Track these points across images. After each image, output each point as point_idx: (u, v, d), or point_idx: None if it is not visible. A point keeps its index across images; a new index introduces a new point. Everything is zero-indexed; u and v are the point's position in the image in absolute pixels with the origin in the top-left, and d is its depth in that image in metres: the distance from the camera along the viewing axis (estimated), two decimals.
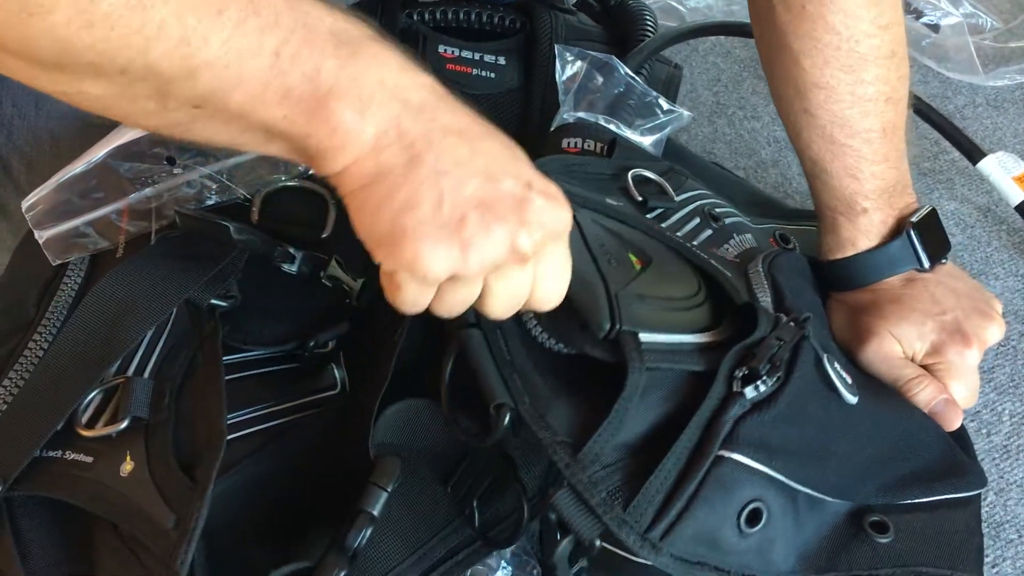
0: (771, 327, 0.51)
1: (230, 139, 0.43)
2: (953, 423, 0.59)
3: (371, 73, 0.41)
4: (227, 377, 0.52)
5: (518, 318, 0.52)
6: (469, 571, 0.54)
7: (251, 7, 0.38)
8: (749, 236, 0.67)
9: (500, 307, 0.46)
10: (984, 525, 0.74)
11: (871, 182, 0.63)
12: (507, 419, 0.48)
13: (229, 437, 0.51)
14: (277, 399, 0.57)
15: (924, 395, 0.59)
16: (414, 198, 0.41)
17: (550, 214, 0.44)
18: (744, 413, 0.48)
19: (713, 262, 0.58)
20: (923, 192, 1.00)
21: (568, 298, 0.48)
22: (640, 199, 0.61)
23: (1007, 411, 0.81)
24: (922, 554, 0.54)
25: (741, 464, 0.48)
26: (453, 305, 0.45)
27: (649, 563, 0.46)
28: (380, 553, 0.51)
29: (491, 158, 0.43)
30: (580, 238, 0.52)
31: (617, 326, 0.48)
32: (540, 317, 0.51)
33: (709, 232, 0.63)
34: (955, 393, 0.60)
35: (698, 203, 0.66)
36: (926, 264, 0.63)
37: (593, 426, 0.47)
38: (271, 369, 0.60)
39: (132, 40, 0.37)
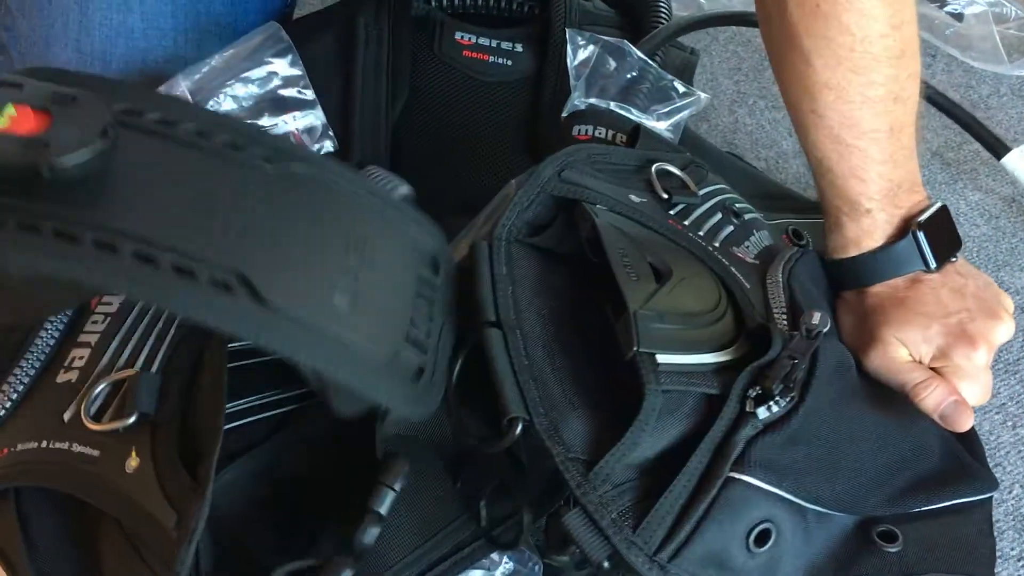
0: (783, 345, 0.51)
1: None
2: (963, 424, 0.58)
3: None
4: (235, 364, 0.52)
5: (540, 319, 0.51)
6: None
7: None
8: (766, 233, 0.66)
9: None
10: (1010, 519, 0.73)
11: (876, 183, 0.62)
12: (519, 431, 0.47)
13: (237, 424, 0.51)
14: (284, 386, 0.57)
15: (933, 398, 0.58)
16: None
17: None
18: (756, 434, 0.48)
19: (733, 269, 0.57)
20: (947, 182, 0.99)
21: None
22: (664, 195, 0.60)
23: None
24: (932, 561, 0.53)
25: (752, 486, 0.47)
26: None
27: None
28: (386, 546, 0.51)
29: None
30: (601, 251, 0.51)
31: (635, 349, 0.48)
32: None
33: (730, 228, 0.62)
34: (965, 394, 0.59)
35: (719, 198, 0.65)
36: (932, 264, 0.62)
37: (606, 443, 0.47)
38: (272, 358, 0.59)
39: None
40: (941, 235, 0.63)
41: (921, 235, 0.62)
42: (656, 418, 0.47)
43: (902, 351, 0.60)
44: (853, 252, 0.63)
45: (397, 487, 0.49)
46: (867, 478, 0.53)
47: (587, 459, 0.47)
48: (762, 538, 0.48)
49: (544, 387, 0.49)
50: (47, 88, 0.41)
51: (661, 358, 0.48)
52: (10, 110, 0.42)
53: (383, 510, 0.48)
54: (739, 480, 0.47)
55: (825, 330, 0.52)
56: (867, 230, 0.63)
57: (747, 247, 0.63)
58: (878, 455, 0.54)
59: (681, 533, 0.46)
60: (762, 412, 0.48)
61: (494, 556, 0.55)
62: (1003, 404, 0.80)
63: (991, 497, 0.59)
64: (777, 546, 0.49)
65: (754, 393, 0.49)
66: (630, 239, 0.53)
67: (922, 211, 0.62)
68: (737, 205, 0.66)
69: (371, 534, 0.48)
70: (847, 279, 0.64)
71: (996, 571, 0.62)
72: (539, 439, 0.47)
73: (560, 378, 0.50)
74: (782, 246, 0.67)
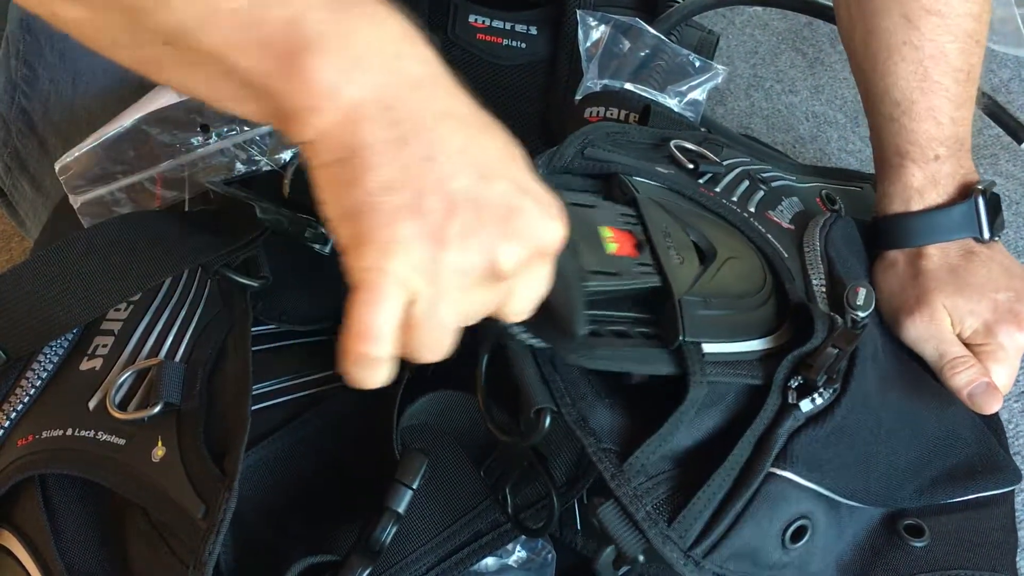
0: (827, 331, 0.49)
1: (203, 88, 0.39)
2: (991, 407, 0.58)
3: (363, 32, 0.37)
4: (255, 348, 0.52)
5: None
6: None
7: None
8: (796, 199, 0.65)
9: (452, 318, 0.39)
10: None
11: (949, 128, 0.61)
12: (547, 423, 0.46)
13: (256, 407, 0.51)
14: (302, 371, 0.57)
15: (965, 376, 0.58)
16: (394, 181, 0.36)
17: (542, 227, 0.39)
18: (799, 427, 0.47)
19: (771, 237, 0.56)
20: None
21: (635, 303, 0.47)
22: (691, 166, 0.60)
23: None
24: (959, 557, 0.53)
25: (792, 482, 0.47)
26: (421, 328, 0.39)
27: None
28: (407, 532, 0.51)
29: (488, 154, 0.39)
30: (642, 229, 0.50)
31: (682, 338, 0.46)
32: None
33: (761, 193, 0.62)
34: (996, 378, 0.59)
35: (742, 168, 0.64)
36: (987, 235, 0.61)
37: (638, 433, 0.46)
38: (298, 341, 0.60)
39: None
40: (995, 207, 0.62)
41: (981, 201, 0.61)
42: (697, 410, 0.46)
43: (946, 321, 0.59)
44: (916, 206, 0.62)
45: (415, 485, 0.48)
46: (900, 470, 0.52)
47: (619, 449, 0.46)
48: (798, 534, 0.47)
49: (568, 378, 0.48)
50: (616, 209, 0.49)
51: (707, 347, 0.47)
52: (606, 232, 0.47)
53: (400, 508, 0.48)
54: (779, 476, 0.46)
55: (868, 315, 0.51)
56: (932, 179, 0.62)
57: (780, 211, 0.62)
58: (911, 446, 0.53)
59: (718, 528, 0.45)
60: (805, 405, 0.47)
61: (507, 546, 0.55)
62: (1022, 392, 0.80)
63: (1014, 490, 0.59)
64: (812, 541, 0.48)
65: (796, 383, 0.48)
66: (672, 215, 0.52)
67: (978, 180, 0.62)
68: (763, 174, 0.65)
69: (388, 532, 0.48)
70: (902, 236, 0.63)
71: None
72: (568, 430, 0.46)
73: (584, 369, 0.48)
74: (816, 210, 0.66)
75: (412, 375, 0.51)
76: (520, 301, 0.41)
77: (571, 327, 0.44)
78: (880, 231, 0.64)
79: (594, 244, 0.48)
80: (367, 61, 0.37)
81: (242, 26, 0.36)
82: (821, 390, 0.47)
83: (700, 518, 0.45)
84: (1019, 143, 0.91)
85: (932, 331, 0.59)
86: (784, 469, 0.46)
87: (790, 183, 0.68)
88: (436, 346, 0.40)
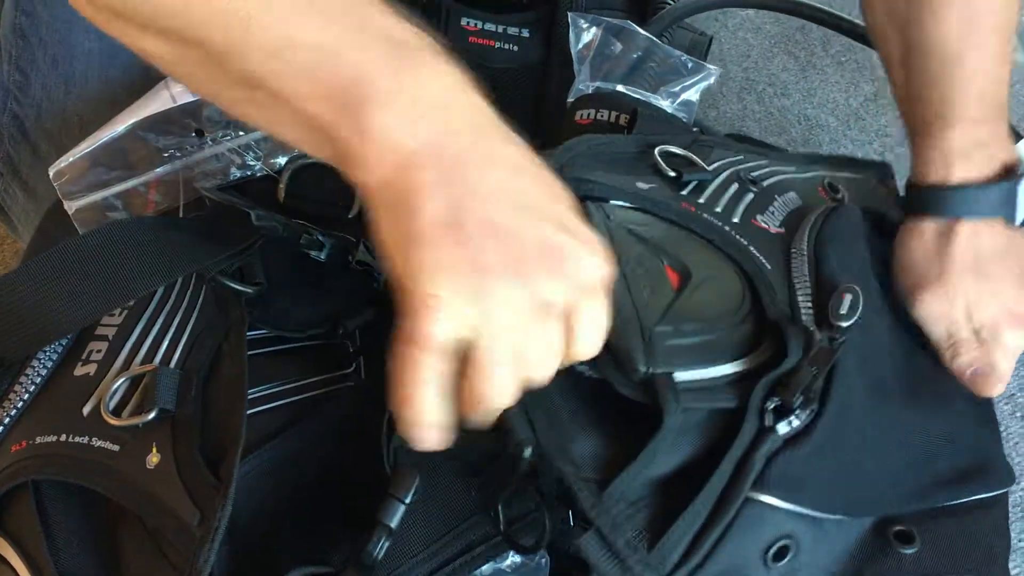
0: (803, 349, 0.49)
1: (287, 130, 0.43)
2: (992, 390, 0.57)
3: (423, 87, 0.40)
4: (251, 352, 0.52)
5: None
6: None
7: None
8: (793, 194, 0.64)
9: (511, 359, 0.41)
10: (1018, 510, 0.73)
11: (996, 88, 0.60)
12: (528, 455, 0.47)
13: (251, 411, 0.51)
14: (298, 375, 0.57)
15: (969, 357, 0.58)
16: (439, 210, 0.39)
17: (584, 264, 0.41)
18: (776, 449, 0.47)
19: (753, 250, 0.55)
20: None
21: None
22: (673, 174, 0.59)
23: None
24: (949, 563, 0.53)
25: (770, 505, 0.47)
26: (481, 371, 0.40)
27: None
28: (397, 545, 0.50)
29: (530, 193, 0.41)
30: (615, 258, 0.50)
31: (651, 370, 0.46)
32: None
33: (751, 196, 0.61)
34: (999, 366, 0.58)
35: (732, 169, 0.63)
36: (1019, 219, 0.60)
37: (618, 460, 0.46)
38: (293, 345, 0.60)
39: (186, 8, 0.39)
40: None
41: (1020, 184, 0.60)
42: (674, 437, 0.46)
43: (960, 303, 0.59)
44: (957, 172, 0.59)
45: (408, 500, 0.48)
46: (888, 479, 0.52)
47: (598, 478, 0.46)
48: (780, 554, 0.47)
49: (548, 404, 0.48)
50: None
51: (680, 375, 0.47)
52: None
53: (393, 523, 0.48)
54: (758, 500, 0.46)
55: (850, 324, 0.51)
56: (976, 142, 0.60)
57: (771, 213, 0.61)
58: (901, 453, 0.53)
59: (698, 554, 0.45)
60: (782, 427, 0.47)
61: None
62: (1012, 394, 0.80)
63: (1007, 492, 0.58)
64: (795, 559, 0.48)
65: (773, 405, 0.47)
66: (643, 242, 0.52)
67: (1019, 160, 0.61)
68: (754, 173, 0.64)
69: (381, 547, 0.48)
70: (936, 205, 0.61)
71: None
72: (548, 460, 0.46)
73: (564, 393, 0.49)
74: (815, 202, 0.64)
75: None
76: (583, 342, 0.42)
77: (633, 364, 0.46)
78: (913, 199, 0.62)
79: None
80: (425, 114, 0.40)
81: (313, 79, 0.39)
82: (798, 411, 0.47)
83: (680, 544, 0.45)
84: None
85: (946, 311, 0.59)
86: (762, 493, 0.46)
87: (788, 176, 0.67)
88: (498, 392, 0.41)
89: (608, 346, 0.47)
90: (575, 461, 0.46)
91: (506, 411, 0.45)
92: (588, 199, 0.54)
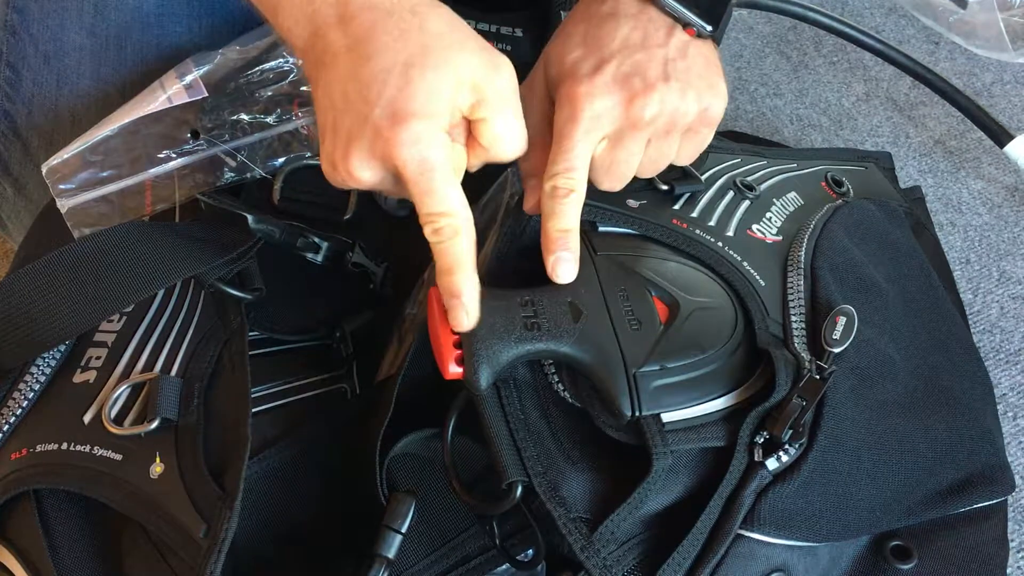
0: (791, 381, 0.48)
1: None
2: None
3: None
4: (250, 353, 0.52)
5: (537, 371, 0.50)
6: None
7: None
8: (793, 194, 0.63)
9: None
10: (1011, 510, 0.74)
11: None
12: (519, 493, 0.47)
13: (252, 411, 0.51)
14: (298, 374, 0.57)
15: None
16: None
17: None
18: (766, 484, 0.47)
19: (747, 265, 0.55)
20: (949, 171, 0.99)
21: (588, 375, 0.47)
22: (665, 187, 0.58)
23: None
24: (948, 575, 0.53)
25: (761, 541, 0.46)
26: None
27: None
28: (396, 555, 0.50)
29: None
30: (600, 293, 0.49)
31: (637, 413, 0.46)
32: (564, 380, 0.50)
33: (746, 205, 0.60)
34: None
35: (727, 175, 0.62)
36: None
37: (609, 499, 0.46)
38: (287, 347, 0.60)
39: None
40: None
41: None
42: (663, 477, 0.46)
43: None
44: None
45: (403, 529, 0.48)
46: (883, 501, 0.51)
47: (590, 518, 0.46)
48: None
49: (540, 442, 0.48)
50: None
51: (667, 416, 0.47)
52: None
53: (391, 554, 0.48)
54: (749, 537, 0.46)
55: (840, 351, 0.50)
56: None
57: (768, 220, 0.60)
58: (900, 471, 0.52)
59: None
60: (771, 463, 0.47)
61: None
62: (1004, 395, 0.81)
63: (1007, 499, 0.58)
64: None
65: (762, 439, 0.47)
66: (630, 274, 0.51)
67: None
68: (750, 177, 0.63)
69: None
70: None
71: None
72: (539, 500, 0.46)
73: (555, 431, 0.49)
74: (820, 196, 0.63)
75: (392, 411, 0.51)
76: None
77: (618, 409, 0.46)
78: None
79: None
80: None
81: None
82: (787, 446, 0.47)
83: None
84: (1001, 147, 0.92)
85: None
86: (752, 531, 0.46)
87: (788, 175, 0.66)
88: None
89: (594, 388, 0.47)
90: (566, 502, 0.46)
91: (497, 446, 0.46)
92: None
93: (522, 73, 0.86)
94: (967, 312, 0.86)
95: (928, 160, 1.00)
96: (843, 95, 1.06)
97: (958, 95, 0.92)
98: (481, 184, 0.58)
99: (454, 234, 0.46)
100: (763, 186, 0.63)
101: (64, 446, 0.49)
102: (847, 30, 0.85)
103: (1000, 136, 0.91)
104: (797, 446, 0.47)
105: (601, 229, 0.54)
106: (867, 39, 0.89)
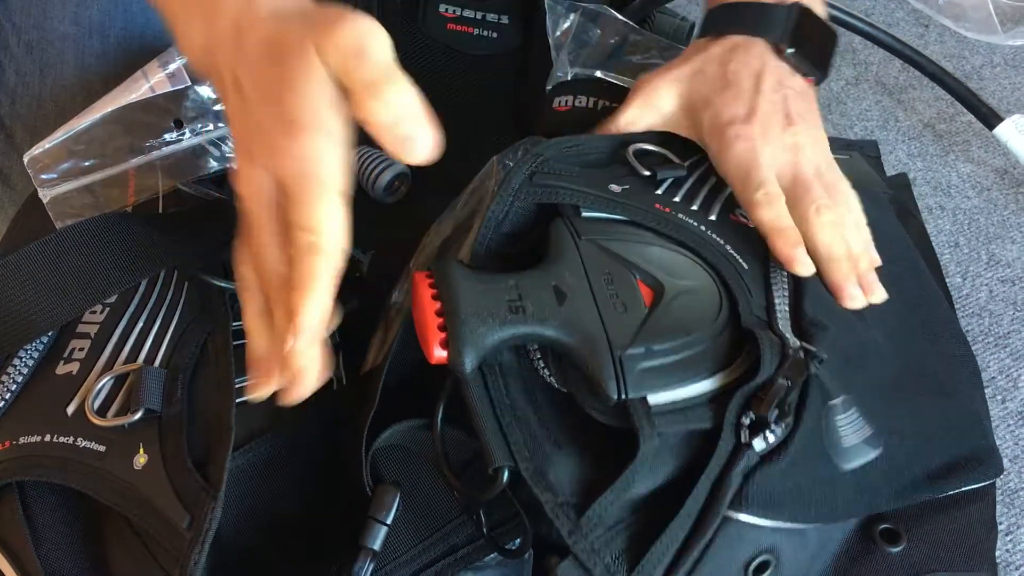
0: (778, 361, 0.48)
1: None
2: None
3: None
4: (235, 343, 0.52)
5: (523, 357, 0.50)
6: None
7: None
8: None
9: None
10: (999, 492, 0.74)
11: None
12: (505, 479, 0.47)
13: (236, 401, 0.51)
14: None
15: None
16: None
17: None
18: (754, 465, 0.47)
19: (730, 249, 0.55)
20: (938, 154, 0.99)
21: (573, 358, 0.47)
22: (647, 173, 0.57)
23: (1023, 377, 0.81)
24: (936, 559, 0.53)
25: (748, 523, 0.46)
26: None
27: None
28: (383, 544, 0.50)
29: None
30: (584, 277, 0.49)
31: (623, 396, 0.46)
32: (550, 365, 0.49)
33: (729, 189, 0.59)
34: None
35: (710, 161, 0.61)
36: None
37: (596, 483, 0.46)
38: None
39: None
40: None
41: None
42: (651, 460, 0.46)
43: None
44: None
45: (389, 521, 0.48)
46: (872, 483, 0.51)
47: (577, 502, 0.46)
48: (761, 568, 0.47)
49: (527, 427, 0.47)
50: None
51: (654, 398, 0.47)
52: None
53: (376, 546, 0.48)
54: (737, 519, 0.46)
55: (824, 333, 0.50)
56: None
57: None
58: (886, 458, 0.52)
59: (678, 574, 0.45)
60: (758, 444, 0.46)
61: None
62: (992, 378, 0.81)
63: (995, 482, 0.58)
64: (777, 571, 0.48)
65: (748, 420, 0.47)
66: (614, 257, 0.51)
67: None
68: None
69: (366, 570, 0.48)
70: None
71: None
72: (526, 485, 0.46)
73: (542, 416, 0.48)
74: None
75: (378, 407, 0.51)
76: None
77: (604, 391, 0.46)
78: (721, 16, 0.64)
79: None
80: None
81: None
82: (773, 426, 0.47)
83: (659, 567, 0.45)
84: (990, 129, 0.92)
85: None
86: (740, 512, 0.46)
87: None
88: None
89: (580, 371, 0.47)
90: (553, 487, 0.46)
91: (484, 432, 0.46)
92: (559, 210, 0.53)
93: (505, 64, 0.87)
94: (956, 296, 0.86)
95: (917, 144, 1.00)
96: (832, 79, 1.05)
97: (947, 78, 0.92)
98: (466, 175, 0.58)
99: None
100: None
101: (47, 438, 0.49)
102: (836, 13, 0.85)
103: (990, 119, 0.92)
104: (784, 426, 0.47)
105: (585, 214, 0.54)
106: (856, 22, 0.89)
